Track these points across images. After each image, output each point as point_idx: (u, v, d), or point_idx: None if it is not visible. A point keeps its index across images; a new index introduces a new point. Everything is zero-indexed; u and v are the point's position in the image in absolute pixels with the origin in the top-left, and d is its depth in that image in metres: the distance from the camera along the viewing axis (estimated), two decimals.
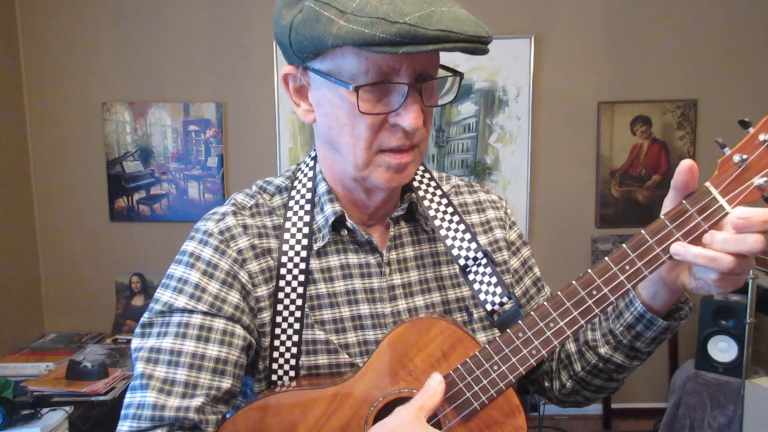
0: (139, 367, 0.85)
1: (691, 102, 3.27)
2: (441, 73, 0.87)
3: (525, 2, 3.24)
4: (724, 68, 3.25)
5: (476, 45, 0.77)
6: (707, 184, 0.75)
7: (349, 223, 0.92)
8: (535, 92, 3.27)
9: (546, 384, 1.06)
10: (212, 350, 0.85)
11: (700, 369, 2.80)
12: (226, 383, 0.85)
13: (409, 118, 0.80)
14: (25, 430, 2.17)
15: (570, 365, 1.00)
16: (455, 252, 0.94)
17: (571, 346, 1.00)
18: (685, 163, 0.76)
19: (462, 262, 0.93)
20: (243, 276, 0.89)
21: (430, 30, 0.72)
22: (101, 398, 2.48)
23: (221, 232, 0.90)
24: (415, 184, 0.99)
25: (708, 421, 2.72)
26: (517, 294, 1.03)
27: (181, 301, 0.86)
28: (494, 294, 0.91)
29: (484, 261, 0.93)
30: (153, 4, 3.23)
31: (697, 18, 3.24)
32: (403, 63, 0.78)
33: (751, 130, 0.75)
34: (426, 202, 0.97)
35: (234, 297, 0.88)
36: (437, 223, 0.96)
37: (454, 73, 0.87)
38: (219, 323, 0.86)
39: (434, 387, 0.81)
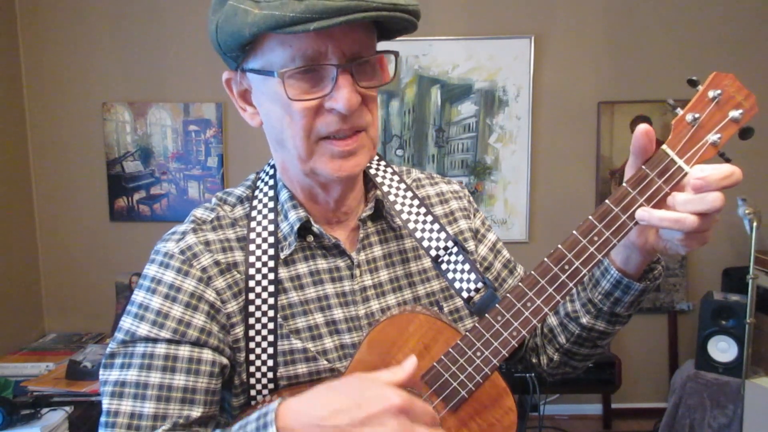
0: (105, 403, 0.82)
1: None
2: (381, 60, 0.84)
3: (525, 2, 3.23)
4: (724, 68, 3.23)
5: (394, 14, 0.76)
6: (664, 146, 0.76)
7: (316, 227, 0.91)
8: (535, 92, 3.26)
9: (534, 360, 1.06)
10: (179, 380, 0.82)
11: (700, 369, 2.80)
12: (196, 412, 0.82)
13: (341, 99, 0.78)
14: (25, 430, 2.17)
15: (554, 338, 1.01)
16: (426, 244, 0.93)
17: (553, 320, 1.01)
18: (642, 128, 0.76)
19: (433, 253, 0.92)
20: (210, 295, 0.86)
21: (337, 1, 0.72)
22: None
23: (182, 252, 0.86)
24: (379, 180, 0.97)
25: (708, 421, 2.72)
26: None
27: (144, 329, 0.83)
28: (469, 281, 0.91)
29: (455, 249, 0.92)
30: (153, 4, 3.23)
31: (697, 17, 3.23)
32: (328, 45, 0.77)
33: (700, 88, 0.75)
34: (391, 197, 0.96)
35: (199, 320, 0.84)
36: (405, 216, 0.94)
37: (389, 51, 0.85)
38: (184, 351, 0.83)
39: (405, 365, 0.71)
